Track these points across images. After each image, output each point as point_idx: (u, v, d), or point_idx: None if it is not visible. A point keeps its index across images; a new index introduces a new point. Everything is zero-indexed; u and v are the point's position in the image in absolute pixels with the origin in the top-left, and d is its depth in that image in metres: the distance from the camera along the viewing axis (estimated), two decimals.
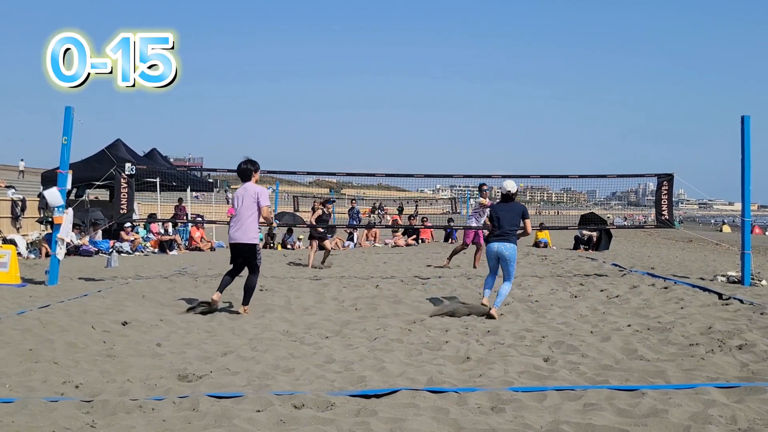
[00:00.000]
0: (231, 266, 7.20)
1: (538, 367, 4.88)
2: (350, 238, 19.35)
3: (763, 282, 9.50)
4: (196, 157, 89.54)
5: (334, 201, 13.11)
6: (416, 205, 34.57)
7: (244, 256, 7.03)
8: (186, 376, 4.59)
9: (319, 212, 12.70)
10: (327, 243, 13.05)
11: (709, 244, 23.47)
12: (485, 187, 12.21)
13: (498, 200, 7.21)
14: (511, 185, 7.25)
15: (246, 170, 7.06)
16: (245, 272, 7.20)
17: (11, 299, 7.86)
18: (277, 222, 13.01)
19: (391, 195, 42.83)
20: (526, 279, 10.45)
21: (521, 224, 7.16)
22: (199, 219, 20.07)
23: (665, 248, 21.21)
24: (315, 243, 12.99)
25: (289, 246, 18.74)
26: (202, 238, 18.03)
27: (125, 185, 10.23)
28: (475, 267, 12.39)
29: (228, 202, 26.42)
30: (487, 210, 11.90)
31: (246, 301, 7.06)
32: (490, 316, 6.79)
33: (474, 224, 12.27)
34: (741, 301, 7.71)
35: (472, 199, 34.64)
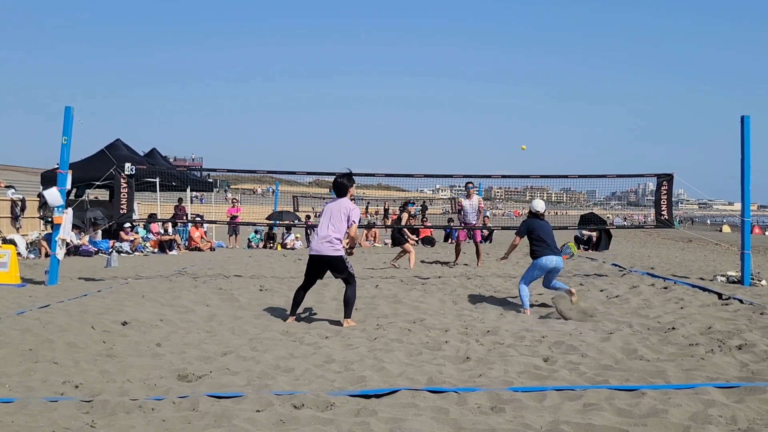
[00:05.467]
0: (303, 279, 6.86)
1: (538, 367, 4.88)
2: None
3: (763, 282, 9.50)
4: (196, 157, 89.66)
5: (413, 203, 13.73)
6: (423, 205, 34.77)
7: (331, 270, 6.67)
8: (186, 376, 4.59)
9: (406, 216, 13.07)
10: (407, 245, 12.98)
11: (709, 244, 23.48)
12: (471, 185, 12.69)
13: (530, 217, 7.72)
14: (541, 205, 7.75)
15: (342, 185, 6.75)
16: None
17: (11, 299, 7.86)
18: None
19: (391, 195, 42.87)
20: None
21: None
22: (199, 219, 20.07)
23: (665, 248, 21.21)
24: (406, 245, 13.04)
25: (288, 246, 18.76)
26: (201, 237, 18.04)
27: (125, 185, 10.23)
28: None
29: (227, 202, 26.38)
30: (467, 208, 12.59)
31: (347, 314, 6.67)
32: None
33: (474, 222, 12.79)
34: (741, 301, 7.71)
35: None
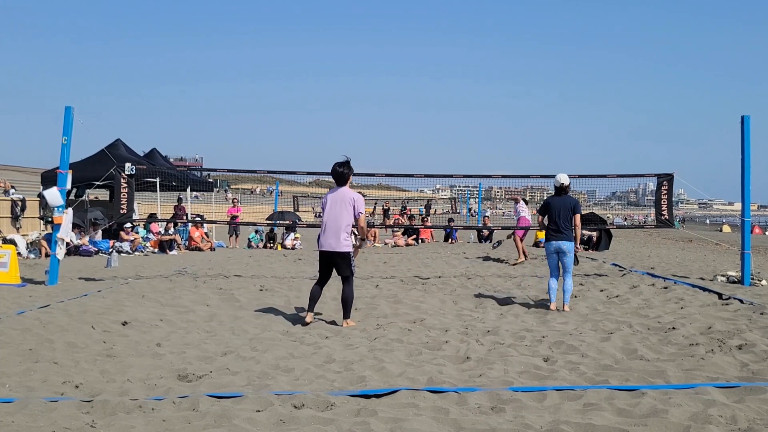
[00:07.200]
0: (318, 275, 6.82)
1: (538, 367, 4.88)
2: None
3: (763, 282, 9.50)
4: (198, 157, 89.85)
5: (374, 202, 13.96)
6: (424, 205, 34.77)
7: (336, 266, 6.60)
8: (186, 376, 4.59)
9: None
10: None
11: (709, 244, 23.48)
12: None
13: (555, 193, 7.72)
14: (564, 178, 7.64)
15: (342, 174, 6.51)
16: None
17: (11, 299, 7.86)
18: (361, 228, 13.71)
19: (391, 195, 42.86)
20: (525, 279, 10.45)
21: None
22: (199, 219, 20.05)
23: (665, 248, 21.20)
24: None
25: (288, 246, 18.75)
26: (202, 237, 18.02)
27: (125, 185, 10.24)
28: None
29: (227, 201, 26.39)
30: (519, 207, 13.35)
31: (347, 314, 6.61)
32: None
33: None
34: (741, 301, 7.71)
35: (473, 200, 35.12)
